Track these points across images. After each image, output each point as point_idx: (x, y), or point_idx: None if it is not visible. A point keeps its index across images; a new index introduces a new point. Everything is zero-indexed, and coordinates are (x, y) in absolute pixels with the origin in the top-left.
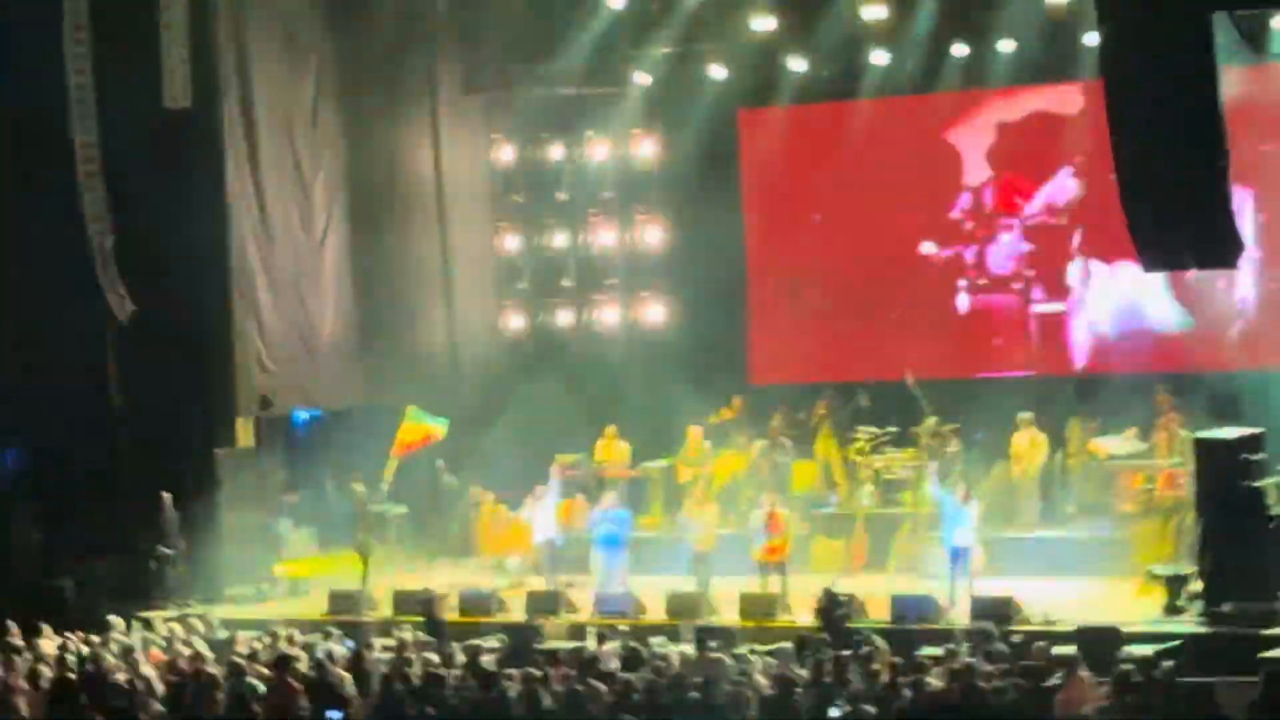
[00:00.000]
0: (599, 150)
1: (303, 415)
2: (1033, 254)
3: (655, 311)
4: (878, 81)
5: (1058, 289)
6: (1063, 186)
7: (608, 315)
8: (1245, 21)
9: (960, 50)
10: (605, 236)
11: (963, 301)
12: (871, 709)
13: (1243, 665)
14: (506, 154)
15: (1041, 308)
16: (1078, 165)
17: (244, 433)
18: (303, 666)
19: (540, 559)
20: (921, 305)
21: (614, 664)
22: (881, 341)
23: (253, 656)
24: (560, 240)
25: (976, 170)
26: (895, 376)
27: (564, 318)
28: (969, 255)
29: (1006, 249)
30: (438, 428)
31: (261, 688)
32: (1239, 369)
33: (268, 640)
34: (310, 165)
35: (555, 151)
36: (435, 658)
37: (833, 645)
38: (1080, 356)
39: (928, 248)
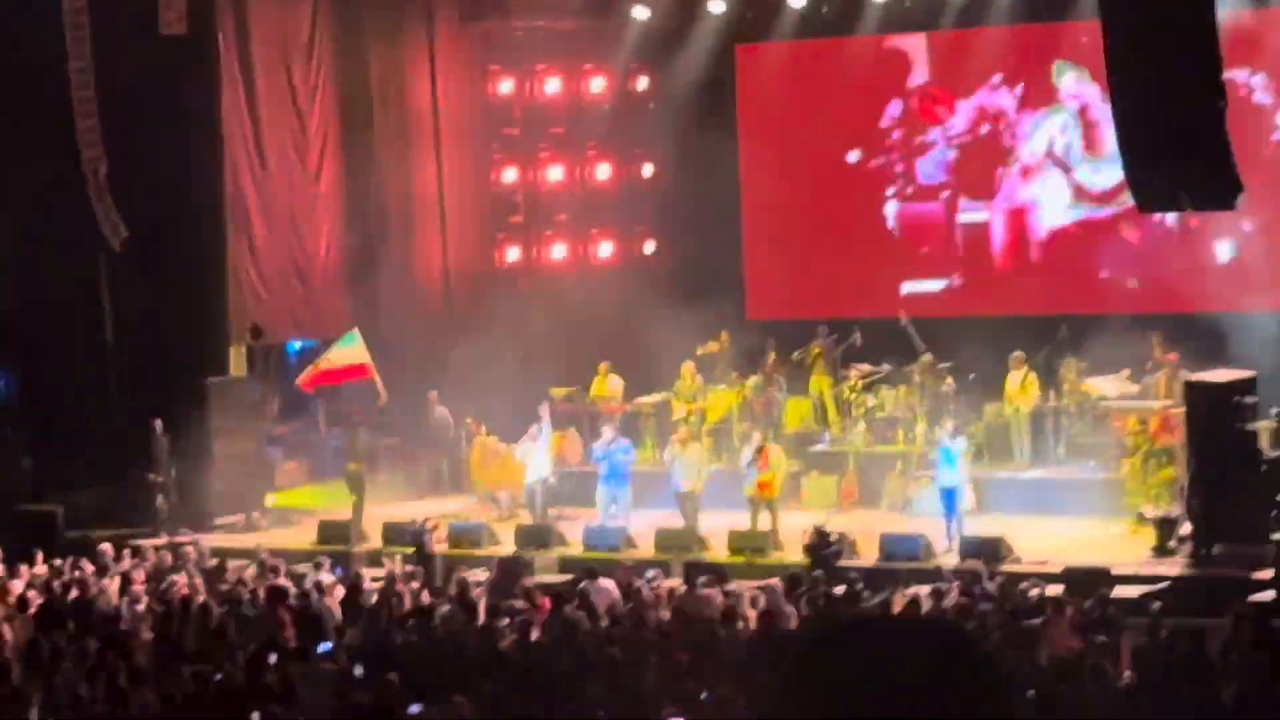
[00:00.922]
0: (596, 83)
1: (296, 345)
2: (958, 163)
3: (650, 246)
4: (878, 18)
5: (984, 197)
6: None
7: (602, 250)
8: None
9: None
10: (600, 170)
11: (890, 210)
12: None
13: (1231, 608)
14: (504, 86)
15: (967, 217)
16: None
17: (236, 361)
18: (292, 596)
19: (531, 497)
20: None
21: (611, 597)
22: (876, 278)
23: (241, 584)
24: (556, 174)
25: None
26: (890, 314)
27: (558, 252)
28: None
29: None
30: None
31: (251, 616)
32: (1229, 310)
33: (256, 570)
34: (306, 95)
35: (552, 84)
36: (424, 589)
37: (823, 582)
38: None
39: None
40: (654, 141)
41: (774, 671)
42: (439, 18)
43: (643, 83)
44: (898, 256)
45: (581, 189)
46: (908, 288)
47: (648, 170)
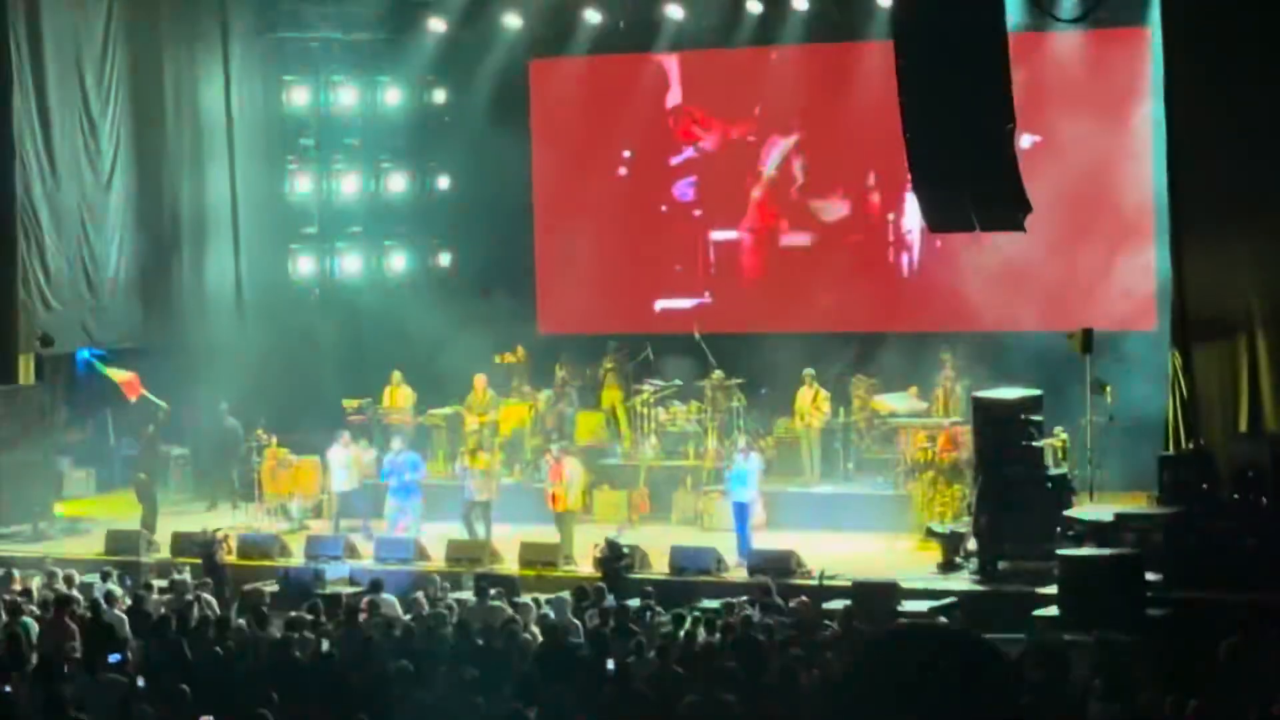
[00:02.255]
0: (392, 95)
1: (85, 354)
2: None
3: (444, 258)
4: (672, 35)
5: (733, 217)
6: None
7: (396, 261)
8: None
9: (755, 6)
10: (396, 182)
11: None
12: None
13: (1016, 622)
14: (300, 96)
15: (718, 235)
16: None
17: (25, 369)
18: (79, 607)
19: (334, 507)
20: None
21: (396, 610)
22: (655, 295)
23: (27, 595)
24: (351, 185)
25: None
26: (683, 329)
27: (352, 263)
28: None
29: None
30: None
31: (36, 627)
32: (1019, 330)
33: (44, 579)
34: (99, 102)
35: (348, 95)
36: (213, 600)
37: (613, 595)
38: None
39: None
40: (449, 154)
41: (559, 684)
42: (234, 28)
43: (438, 95)
44: (660, 274)
45: (376, 200)
46: (661, 304)
47: (443, 183)
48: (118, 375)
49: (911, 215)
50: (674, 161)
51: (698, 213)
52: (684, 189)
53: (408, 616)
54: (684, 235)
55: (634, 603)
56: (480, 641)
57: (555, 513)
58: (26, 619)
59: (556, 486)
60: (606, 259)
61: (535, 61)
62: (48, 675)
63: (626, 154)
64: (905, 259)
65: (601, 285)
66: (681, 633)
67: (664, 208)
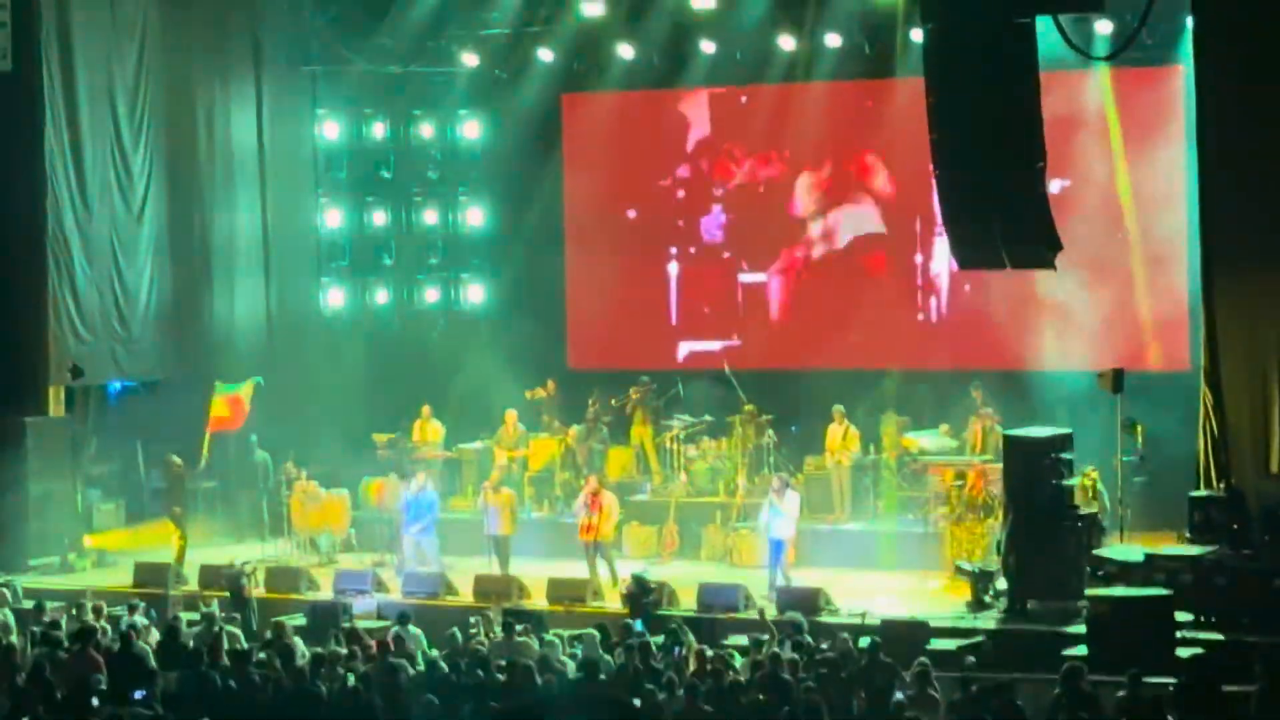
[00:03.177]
0: (425, 129)
1: (115, 385)
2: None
3: (475, 293)
4: (704, 71)
5: (762, 259)
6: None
7: (428, 295)
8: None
9: (787, 43)
10: (428, 216)
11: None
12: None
13: (1044, 662)
14: (332, 130)
15: (747, 277)
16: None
17: (54, 401)
18: (107, 639)
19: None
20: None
21: (423, 644)
22: (697, 330)
23: (55, 626)
24: (382, 218)
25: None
26: (713, 365)
27: (383, 296)
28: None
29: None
30: (245, 390)
31: (63, 658)
32: (1049, 369)
33: (73, 611)
34: (131, 133)
35: (380, 129)
36: (239, 633)
37: (639, 633)
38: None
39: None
40: (481, 188)
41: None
42: (267, 60)
43: (470, 129)
44: (689, 314)
45: (408, 234)
46: (687, 347)
47: (474, 217)
48: (230, 401)
49: (941, 254)
50: (706, 199)
51: (727, 254)
52: (712, 229)
53: (435, 652)
54: (713, 276)
55: (658, 639)
56: (504, 677)
57: (587, 543)
58: (56, 651)
59: (594, 517)
60: (636, 295)
61: (567, 96)
62: (73, 707)
63: (663, 182)
64: (934, 299)
65: (631, 321)
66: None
67: (693, 249)
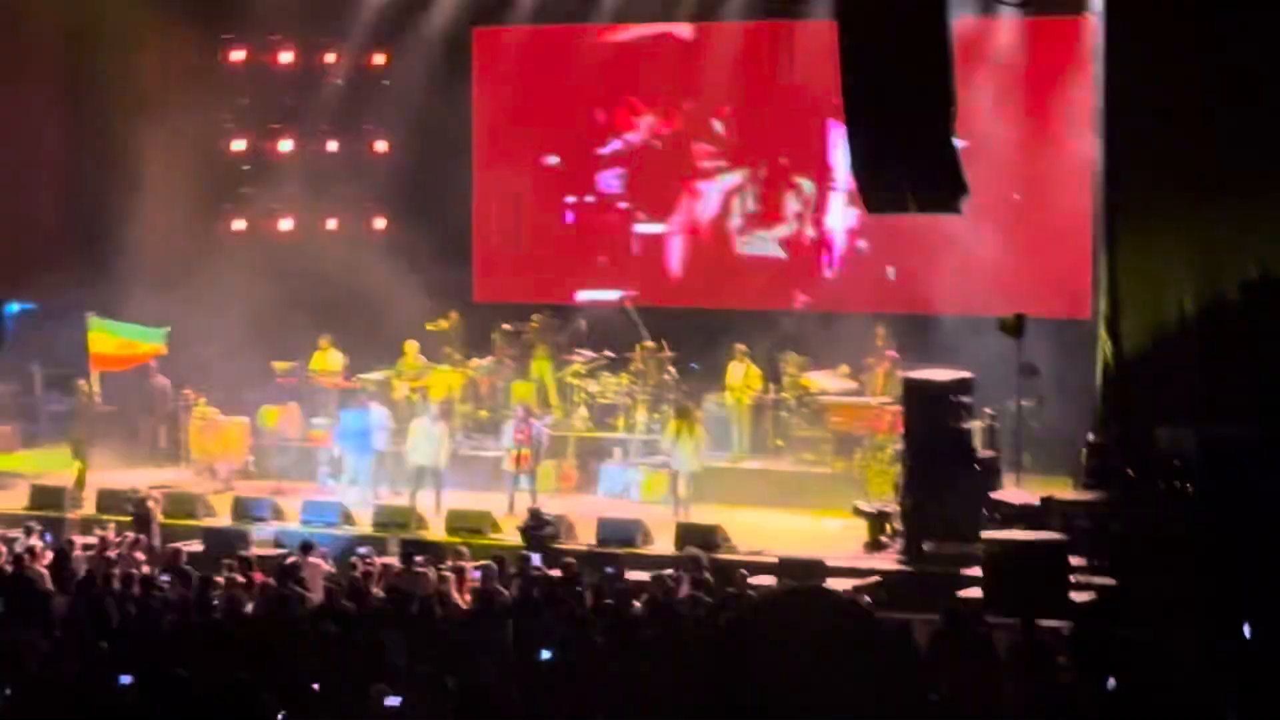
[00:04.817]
0: (330, 58)
1: (13, 307)
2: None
3: (380, 223)
4: (616, 5)
5: (660, 210)
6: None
7: (330, 223)
8: None
9: None
10: (331, 145)
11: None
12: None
13: (939, 604)
14: (236, 55)
15: (643, 228)
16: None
17: None
18: (1, 560)
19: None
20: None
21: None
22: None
23: None
24: (286, 146)
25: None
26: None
27: (285, 224)
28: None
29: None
30: (147, 347)
31: None
32: (952, 314)
33: None
34: (36, 58)
35: (285, 55)
36: (140, 557)
37: (533, 565)
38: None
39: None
40: (389, 119)
41: (485, 650)
42: None
43: (378, 59)
44: (588, 262)
45: (312, 162)
46: (583, 295)
47: (381, 147)
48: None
49: (837, 206)
50: (603, 150)
51: (624, 205)
52: (610, 180)
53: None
54: (611, 225)
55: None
56: (405, 606)
57: (520, 471)
58: None
59: (525, 447)
60: (541, 235)
61: (479, 30)
62: None
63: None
64: (838, 240)
65: (536, 259)
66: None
67: (590, 198)
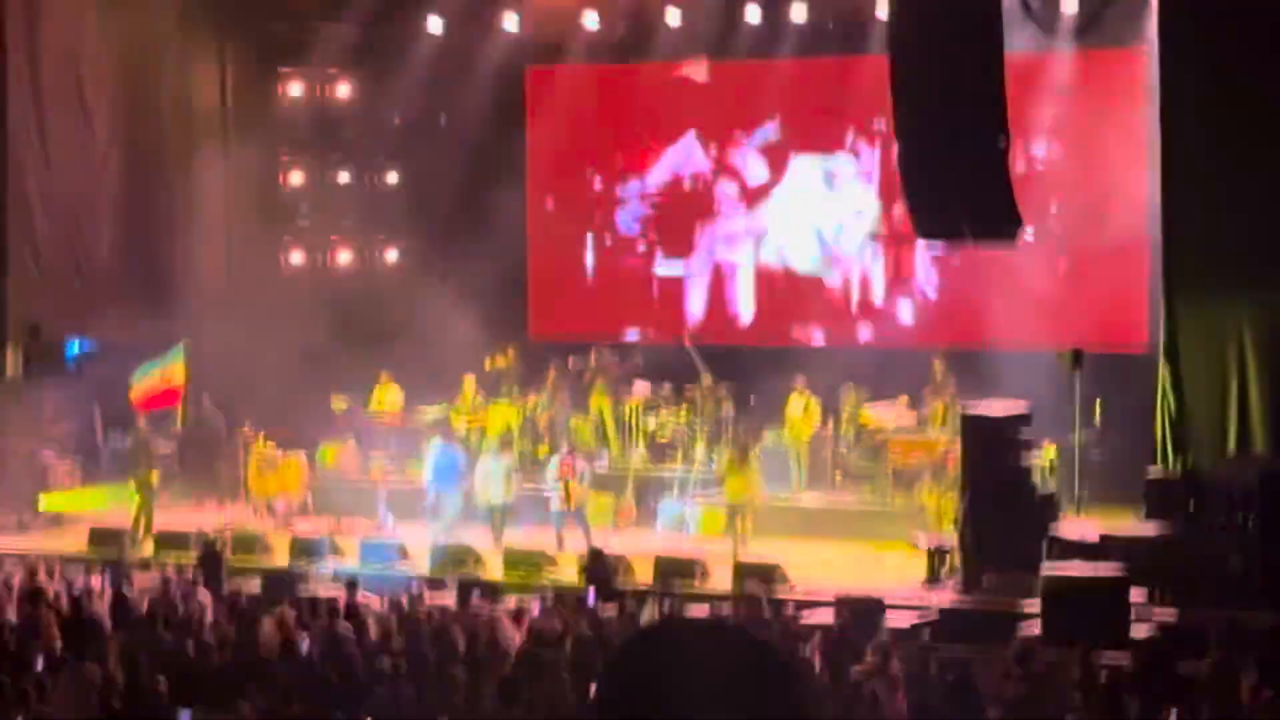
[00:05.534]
0: (389, 91)
1: (74, 345)
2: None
3: (439, 259)
4: (671, 42)
5: (679, 252)
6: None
7: (389, 258)
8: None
9: (754, 15)
10: (390, 179)
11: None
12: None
13: (998, 638)
14: (294, 90)
15: (662, 270)
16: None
17: (12, 360)
18: (61, 601)
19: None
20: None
21: (375, 610)
22: (658, 302)
23: (7, 588)
24: (345, 179)
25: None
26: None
27: (344, 258)
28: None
29: (631, 211)
30: (172, 369)
31: (14, 619)
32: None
33: (25, 572)
34: (93, 92)
35: (344, 90)
36: (202, 596)
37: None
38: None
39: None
40: (445, 154)
41: (540, 685)
42: (230, 17)
43: (433, 94)
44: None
45: (370, 195)
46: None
47: (440, 183)
48: (150, 382)
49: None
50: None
51: (641, 248)
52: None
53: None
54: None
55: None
56: (460, 645)
57: (566, 510)
58: (6, 613)
59: (572, 482)
60: (598, 270)
61: (532, 68)
62: (19, 668)
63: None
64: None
65: (592, 295)
66: None
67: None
